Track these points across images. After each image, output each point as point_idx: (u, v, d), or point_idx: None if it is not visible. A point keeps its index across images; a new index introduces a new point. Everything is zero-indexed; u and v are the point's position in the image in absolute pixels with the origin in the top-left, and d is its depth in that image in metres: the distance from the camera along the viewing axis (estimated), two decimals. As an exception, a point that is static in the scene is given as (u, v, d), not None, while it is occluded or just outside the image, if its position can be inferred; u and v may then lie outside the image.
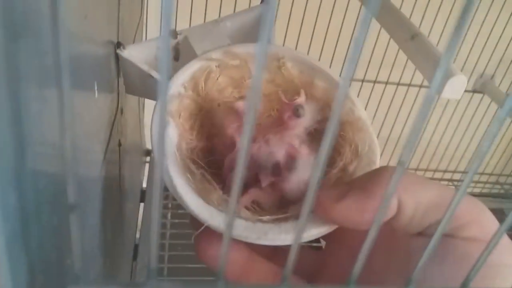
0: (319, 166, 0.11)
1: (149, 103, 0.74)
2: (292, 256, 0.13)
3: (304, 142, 0.27)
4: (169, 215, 0.82)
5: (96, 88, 0.26)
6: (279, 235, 0.24)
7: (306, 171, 0.26)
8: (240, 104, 0.28)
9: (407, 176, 0.23)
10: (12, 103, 0.10)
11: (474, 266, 0.15)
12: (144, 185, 0.77)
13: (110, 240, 0.35)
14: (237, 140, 0.27)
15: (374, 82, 0.86)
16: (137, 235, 0.68)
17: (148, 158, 0.83)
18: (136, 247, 0.65)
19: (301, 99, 0.28)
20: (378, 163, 0.27)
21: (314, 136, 0.29)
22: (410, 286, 0.15)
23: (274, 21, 0.41)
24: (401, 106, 0.89)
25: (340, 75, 0.31)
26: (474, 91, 0.93)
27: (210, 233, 0.24)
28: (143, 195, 0.73)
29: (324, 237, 0.27)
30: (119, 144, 0.39)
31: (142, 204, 0.72)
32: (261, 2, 0.39)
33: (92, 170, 0.26)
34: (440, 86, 0.11)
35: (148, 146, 0.85)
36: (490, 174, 1.06)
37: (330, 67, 0.33)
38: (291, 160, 0.26)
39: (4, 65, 0.10)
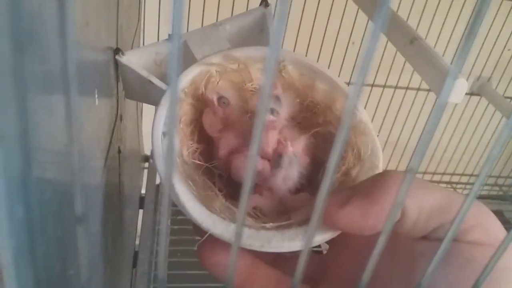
0: (329, 174, 0.11)
1: (147, 109, 0.74)
2: (300, 266, 0.13)
3: (290, 130, 0.28)
4: (168, 222, 0.81)
5: (96, 95, 0.25)
6: (283, 242, 0.23)
7: (292, 168, 0.26)
8: (209, 94, 0.28)
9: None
10: (19, 115, 0.10)
11: (483, 271, 0.15)
12: (143, 191, 0.76)
13: (111, 247, 0.35)
14: (220, 148, 0.27)
15: (372, 85, 0.86)
16: (137, 242, 0.68)
17: (146, 164, 0.83)
18: (135, 254, 0.64)
19: (277, 91, 0.28)
20: (381, 167, 0.27)
21: (315, 138, 0.29)
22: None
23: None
24: (399, 109, 0.90)
25: (338, 76, 0.31)
26: (472, 93, 0.94)
27: (214, 241, 0.24)
28: (142, 202, 0.73)
29: (327, 241, 0.27)
30: (119, 151, 0.39)
31: (141, 211, 0.72)
32: (260, 4, 0.39)
33: (94, 178, 0.26)
34: (446, 92, 0.11)
35: (147, 152, 0.85)
36: (489, 176, 1.06)
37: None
38: (278, 157, 0.26)
39: (11, 76, 0.09)
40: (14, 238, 0.10)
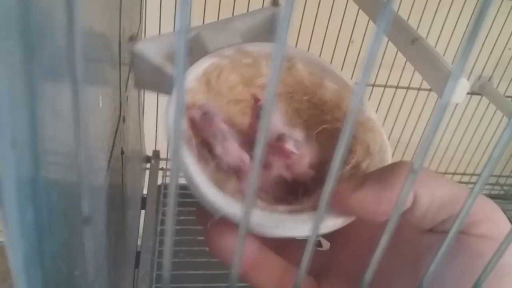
0: (337, 160, 0.11)
1: (147, 111, 0.74)
2: (306, 258, 0.13)
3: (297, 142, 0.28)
4: (174, 219, 0.81)
5: (100, 97, 0.26)
6: (296, 223, 0.23)
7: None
8: (193, 112, 0.28)
9: (424, 170, 0.22)
10: (29, 120, 0.10)
11: (486, 267, 0.15)
12: (145, 192, 0.76)
13: (114, 248, 0.35)
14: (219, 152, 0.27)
15: (373, 85, 0.87)
16: (138, 242, 0.68)
17: (148, 165, 0.83)
18: (137, 254, 0.65)
19: (260, 102, 0.28)
20: (390, 161, 0.27)
21: (322, 135, 0.29)
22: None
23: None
24: (400, 109, 0.90)
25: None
26: (473, 93, 0.94)
27: (222, 223, 0.23)
28: (143, 202, 0.73)
29: (329, 237, 0.27)
30: (122, 152, 0.39)
31: (143, 211, 0.72)
32: (270, 4, 0.39)
33: (98, 179, 0.26)
34: (448, 93, 0.11)
35: (148, 153, 0.85)
36: (490, 175, 1.06)
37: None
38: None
39: (22, 82, 0.10)
40: (24, 240, 0.11)
